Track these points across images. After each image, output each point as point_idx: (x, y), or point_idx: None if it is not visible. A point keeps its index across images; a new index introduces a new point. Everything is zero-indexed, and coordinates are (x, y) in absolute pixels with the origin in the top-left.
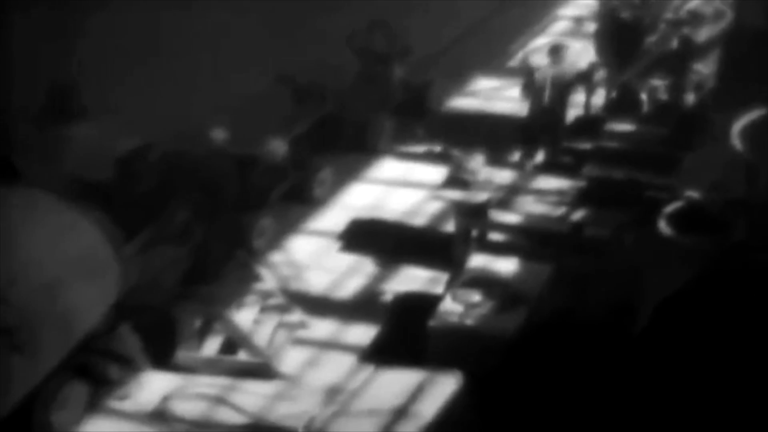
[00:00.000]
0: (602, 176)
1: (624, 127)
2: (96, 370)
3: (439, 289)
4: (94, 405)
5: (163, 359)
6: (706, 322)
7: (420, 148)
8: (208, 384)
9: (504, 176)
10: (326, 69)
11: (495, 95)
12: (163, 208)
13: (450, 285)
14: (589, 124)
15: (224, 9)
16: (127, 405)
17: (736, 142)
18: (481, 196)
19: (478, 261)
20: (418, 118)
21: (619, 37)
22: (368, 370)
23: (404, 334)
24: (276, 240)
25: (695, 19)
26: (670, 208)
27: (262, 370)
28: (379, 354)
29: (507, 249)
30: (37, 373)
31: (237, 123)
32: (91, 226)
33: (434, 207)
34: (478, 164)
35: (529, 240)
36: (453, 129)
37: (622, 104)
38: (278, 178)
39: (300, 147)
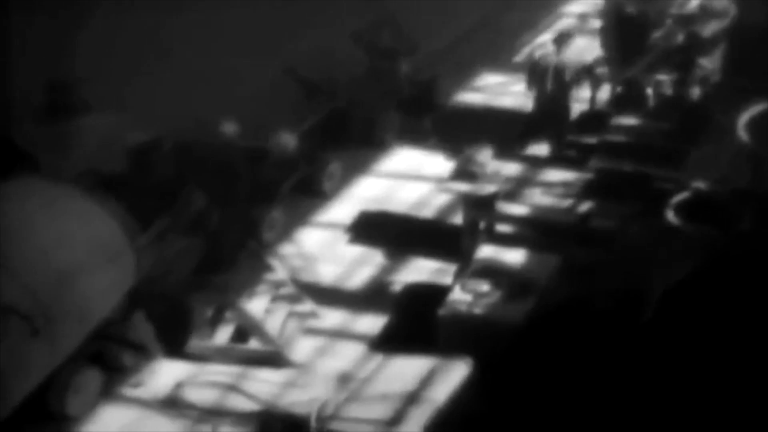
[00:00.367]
0: (609, 168)
1: (629, 121)
2: (110, 358)
3: (447, 280)
4: (107, 392)
5: (175, 347)
6: (712, 309)
7: (427, 142)
8: (220, 372)
9: (512, 169)
10: (334, 64)
11: (501, 91)
12: (176, 198)
13: (458, 275)
14: (595, 119)
15: (234, 4)
16: (140, 392)
17: (742, 134)
18: (489, 189)
19: (486, 252)
20: (425, 113)
21: (624, 33)
22: (378, 357)
23: (413, 324)
24: (286, 232)
25: (704, 14)
26: (676, 198)
27: (274, 359)
28: (389, 343)
29: (515, 240)
30: (54, 358)
31: (246, 116)
32: (106, 216)
33: (442, 199)
34: (486, 157)
35: (536, 231)
36: (460, 123)
37: (627, 99)
38: (288, 171)
39: (309, 141)
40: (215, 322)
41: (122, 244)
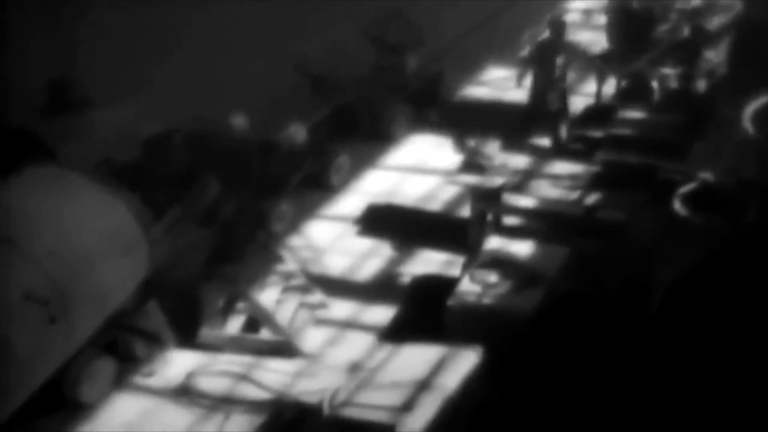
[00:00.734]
0: (615, 160)
1: (635, 114)
2: (123, 347)
3: (455, 272)
4: (120, 380)
5: (187, 337)
6: (719, 299)
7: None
8: (232, 362)
9: (519, 161)
10: (342, 59)
11: (506, 85)
12: (189, 189)
13: (466, 267)
14: (600, 113)
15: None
16: (152, 381)
17: (748, 125)
18: (496, 181)
19: (494, 243)
20: (432, 107)
21: (630, 27)
22: (388, 347)
23: (422, 314)
24: (295, 224)
25: (709, 8)
26: (684, 188)
27: (285, 348)
28: (398, 333)
29: (522, 232)
30: (71, 346)
31: (256, 110)
32: (120, 206)
33: (449, 192)
34: (493, 149)
35: (544, 223)
36: (466, 116)
37: (632, 93)
38: (297, 164)
39: (317, 134)
40: (226, 312)
41: (136, 235)
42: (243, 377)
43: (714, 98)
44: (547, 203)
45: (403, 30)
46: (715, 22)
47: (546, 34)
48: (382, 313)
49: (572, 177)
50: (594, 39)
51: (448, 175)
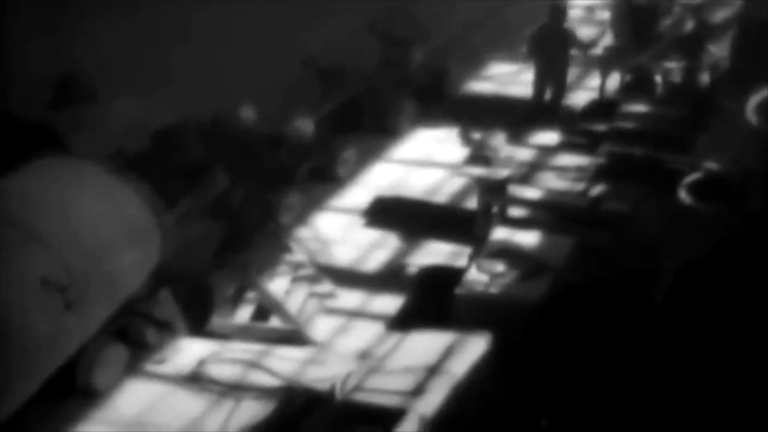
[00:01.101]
0: (620, 152)
1: (639, 108)
2: (135, 334)
3: (462, 263)
4: (132, 368)
5: (197, 326)
6: (725, 288)
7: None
8: (242, 349)
9: (525, 153)
10: (349, 53)
11: (510, 80)
12: (199, 180)
13: (473, 257)
14: (604, 107)
15: None
16: (164, 368)
17: (751, 116)
18: (502, 173)
19: (501, 234)
20: (437, 101)
21: (634, 21)
22: (397, 335)
23: (430, 304)
24: (302, 216)
25: (714, 2)
26: (689, 178)
27: (294, 337)
28: (406, 322)
29: (529, 223)
30: (85, 332)
31: (264, 104)
32: (133, 195)
33: (455, 185)
34: (499, 142)
35: (549, 214)
36: (471, 110)
37: (636, 87)
38: (304, 156)
39: (324, 127)
40: (236, 301)
41: (149, 223)
42: (253, 365)
43: (717, 91)
44: (553, 195)
45: (408, 25)
46: (719, 16)
47: (546, 21)
48: (390, 303)
49: (577, 169)
50: (596, 35)
51: (453, 168)
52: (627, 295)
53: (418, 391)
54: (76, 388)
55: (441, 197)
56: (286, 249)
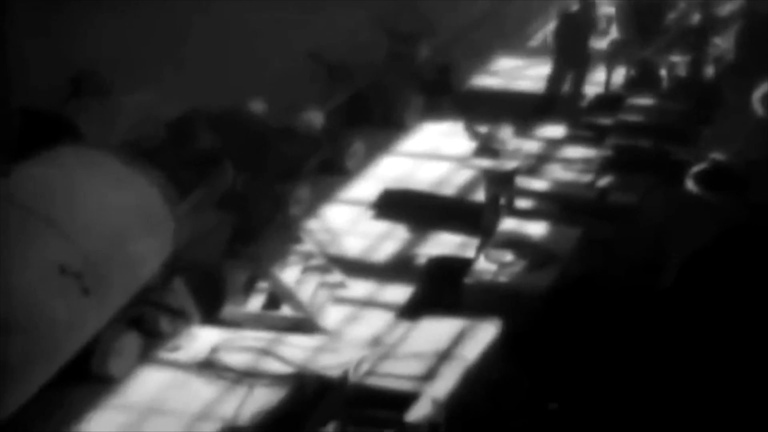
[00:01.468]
0: (626, 144)
1: (644, 101)
2: (149, 322)
3: (469, 253)
4: (146, 355)
5: (210, 314)
6: (730, 277)
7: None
8: (254, 337)
9: (532, 145)
10: (356, 47)
11: (516, 74)
12: (211, 170)
13: (481, 248)
14: (609, 101)
15: None
16: (177, 356)
17: (757, 108)
18: (510, 165)
19: (509, 224)
20: (444, 96)
21: (640, 15)
22: (407, 323)
23: (438, 293)
24: (312, 208)
25: None
26: (696, 168)
27: (305, 325)
28: (415, 310)
29: (536, 215)
30: (102, 318)
31: (272, 97)
32: (148, 184)
33: (462, 177)
34: (507, 134)
35: (556, 206)
36: (478, 104)
37: (641, 81)
38: (313, 149)
39: (332, 121)
40: (248, 290)
41: (163, 212)
42: (265, 352)
43: (722, 84)
44: (560, 186)
45: (415, 20)
46: (725, 9)
47: (574, 7)
48: (399, 292)
49: (584, 161)
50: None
51: (461, 160)
52: (633, 285)
53: (430, 375)
54: (92, 375)
55: (448, 189)
56: (297, 239)
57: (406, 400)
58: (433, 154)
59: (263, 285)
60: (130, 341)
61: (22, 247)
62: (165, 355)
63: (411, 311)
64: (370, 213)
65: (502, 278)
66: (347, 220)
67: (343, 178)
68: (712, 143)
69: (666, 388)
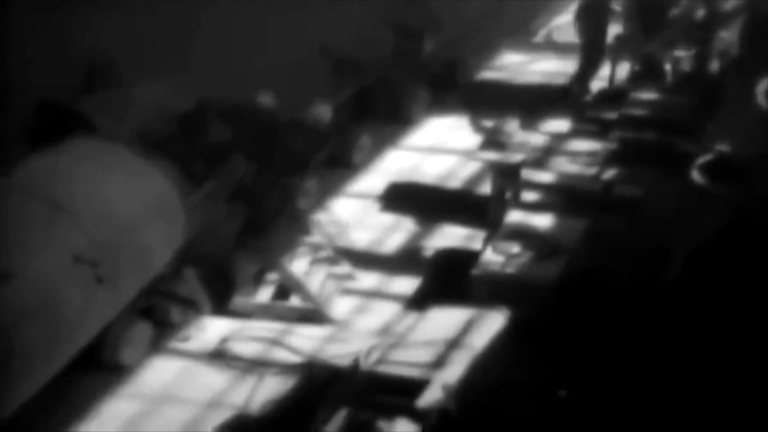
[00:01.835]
0: (632, 137)
1: (648, 96)
2: (160, 313)
3: (476, 245)
4: (157, 345)
5: (219, 305)
6: (736, 267)
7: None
8: (264, 328)
9: (538, 138)
10: (363, 42)
11: (522, 70)
12: (222, 163)
13: (488, 240)
14: (614, 96)
15: None
16: (188, 345)
17: (762, 100)
18: (516, 157)
19: (515, 216)
20: (450, 90)
21: (645, 10)
22: (415, 313)
23: (446, 284)
24: (320, 201)
25: None
26: (701, 159)
27: (314, 316)
28: (423, 301)
29: (541, 207)
30: (115, 307)
31: (280, 91)
32: (160, 175)
33: (468, 171)
34: (513, 127)
35: (562, 198)
36: (483, 98)
37: (646, 75)
38: (321, 143)
39: (340, 115)
40: (257, 281)
41: (175, 203)
42: (275, 342)
43: (726, 78)
44: (566, 179)
45: (421, 15)
46: (729, 4)
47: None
48: (406, 284)
49: (590, 154)
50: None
51: (468, 153)
52: (639, 276)
53: (439, 363)
54: (103, 364)
55: (455, 183)
56: (306, 231)
57: (416, 387)
58: (439, 147)
59: (272, 276)
60: (142, 331)
61: (37, 236)
62: (175, 344)
63: (418, 302)
64: (377, 206)
65: (509, 269)
66: (354, 213)
67: (350, 172)
68: (717, 136)
69: (671, 378)
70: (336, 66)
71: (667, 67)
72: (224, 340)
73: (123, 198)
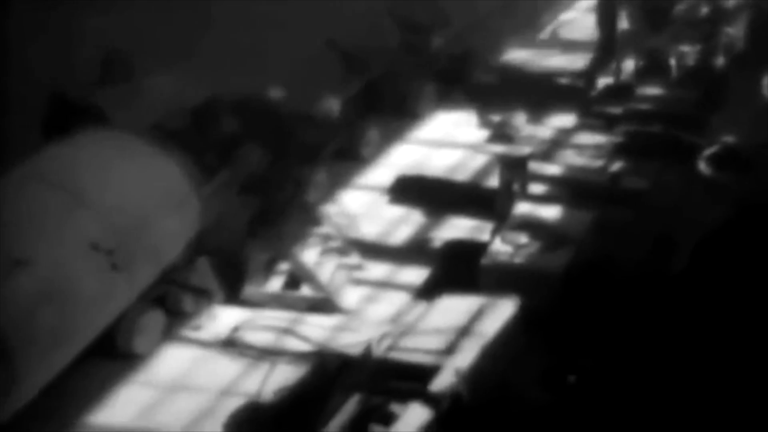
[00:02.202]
0: (638, 130)
1: (653, 90)
2: (173, 301)
3: (484, 237)
4: (170, 333)
5: (231, 295)
6: (743, 256)
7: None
8: (275, 317)
9: (545, 131)
10: (370, 36)
11: (531, 63)
12: (234, 154)
13: (496, 231)
14: (619, 91)
15: None
16: (200, 334)
17: (767, 93)
18: (523, 150)
19: (523, 208)
20: (458, 85)
21: (649, 5)
22: (424, 303)
23: (455, 275)
24: (329, 193)
25: None
26: (708, 150)
27: (325, 305)
28: (432, 291)
29: (548, 199)
30: (130, 294)
31: (289, 85)
32: (173, 166)
33: (475, 164)
34: (520, 121)
35: (569, 190)
36: (492, 94)
37: (651, 70)
38: (330, 135)
39: (348, 109)
40: (268, 271)
41: (189, 193)
42: (286, 331)
43: (731, 71)
44: (573, 171)
45: (428, 10)
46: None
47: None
48: (415, 274)
49: (597, 146)
50: None
51: (476, 146)
52: (645, 266)
53: (451, 349)
54: (117, 352)
55: (462, 176)
56: (316, 223)
57: (428, 373)
58: (446, 141)
59: (283, 266)
60: (155, 319)
61: (54, 224)
62: (188, 333)
63: (427, 292)
64: (385, 198)
65: (518, 259)
66: (363, 205)
67: (359, 165)
68: (722, 128)
69: (679, 366)
70: (344, 60)
71: (672, 62)
72: (236, 328)
73: (137, 188)
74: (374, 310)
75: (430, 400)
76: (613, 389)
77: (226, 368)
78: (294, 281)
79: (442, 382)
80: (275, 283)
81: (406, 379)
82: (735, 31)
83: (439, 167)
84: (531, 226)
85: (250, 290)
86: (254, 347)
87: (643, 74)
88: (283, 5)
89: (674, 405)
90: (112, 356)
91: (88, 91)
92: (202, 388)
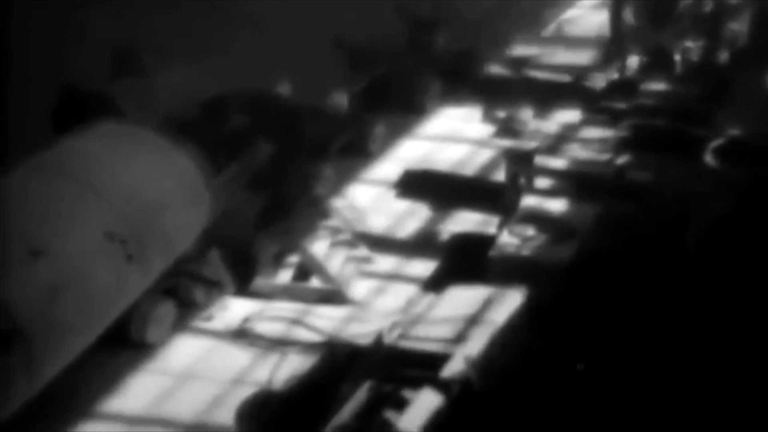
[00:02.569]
0: (643, 123)
1: (658, 86)
2: (184, 292)
3: (490, 230)
4: (181, 324)
5: (241, 286)
6: (748, 246)
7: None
8: (285, 308)
9: (551, 126)
10: (378, 33)
11: (535, 60)
12: (244, 149)
13: (503, 225)
14: (624, 86)
15: None
16: (211, 325)
17: None
18: (530, 144)
19: (530, 201)
20: (464, 81)
21: (654, 2)
22: (432, 295)
23: (462, 267)
24: (337, 187)
25: None
26: (714, 143)
27: (334, 296)
28: (439, 284)
29: (554, 193)
30: (144, 284)
31: (297, 80)
32: (185, 158)
33: (481, 159)
34: (527, 116)
35: (575, 184)
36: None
37: (655, 66)
38: (338, 131)
39: (355, 105)
40: (278, 263)
41: (200, 185)
42: (296, 322)
43: (736, 66)
44: (579, 165)
45: (435, 7)
46: None
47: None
48: (423, 267)
49: (602, 140)
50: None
51: (481, 141)
52: (652, 258)
53: (460, 338)
54: (130, 342)
55: (469, 170)
56: (325, 216)
57: (438, 361)
58: (452, 136)
59: (293, 258)
60: (167, 310)
61: (68, 214)
62: (199, 324)
63: (435, 284)
64: (393, 192)
65: (525, 251)
66: (371, 199)
67: (367, 160)
68: (726, 123)
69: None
70: (351, 57)
71: (677, 57)
72: (246, 319)
73: (150, 179)
74: (383, 302)
75: (441, 386)
76: (619, 378)
77: (237, 358)
78: (303, 273)
79: (453, 369)
80: (285, 275)
81: (417, 367)
82: (739, 27)
83: (445, 162)
84: (537, 219)
85: (260, 282)
86: (265, 337)
87: (648, 70)
88: (291, 2)
89: (680, 394)
90: (126, 346)
91: (100, 85)
92: (213, 378)
